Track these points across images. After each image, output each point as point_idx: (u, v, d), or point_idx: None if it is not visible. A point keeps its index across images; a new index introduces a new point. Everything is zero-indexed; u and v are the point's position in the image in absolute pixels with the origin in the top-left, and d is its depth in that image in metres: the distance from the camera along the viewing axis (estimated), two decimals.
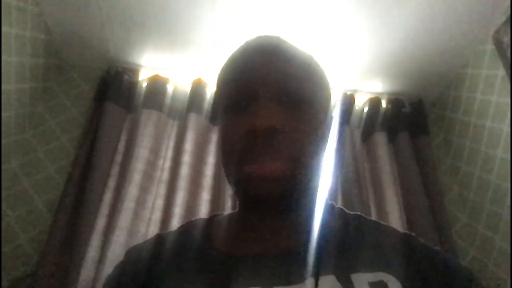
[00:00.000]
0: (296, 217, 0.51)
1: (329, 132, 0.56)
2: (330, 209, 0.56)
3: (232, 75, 0.53)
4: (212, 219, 0.60)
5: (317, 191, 0.54)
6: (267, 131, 0.45)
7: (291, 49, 0.54)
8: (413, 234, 0.54)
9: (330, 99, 0.59)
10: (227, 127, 0.52)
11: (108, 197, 1.41)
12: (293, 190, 0.48)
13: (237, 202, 0.59)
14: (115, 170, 1.48)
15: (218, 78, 0.58)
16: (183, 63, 1.71)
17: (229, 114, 0.51)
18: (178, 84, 1.73)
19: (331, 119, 0.58)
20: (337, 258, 0.46)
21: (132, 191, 1.40)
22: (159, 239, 0.57)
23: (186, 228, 0.58)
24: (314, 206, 0.53)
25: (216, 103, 0.60)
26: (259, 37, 0.55)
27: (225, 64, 0.57)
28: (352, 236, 0.51)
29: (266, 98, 0.48)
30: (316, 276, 0.44)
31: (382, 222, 0.56)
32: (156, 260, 0.52)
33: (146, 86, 1.68)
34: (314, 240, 0.48)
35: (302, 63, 0.53)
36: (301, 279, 0.44)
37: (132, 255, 0.55)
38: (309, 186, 0.51)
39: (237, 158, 0.48)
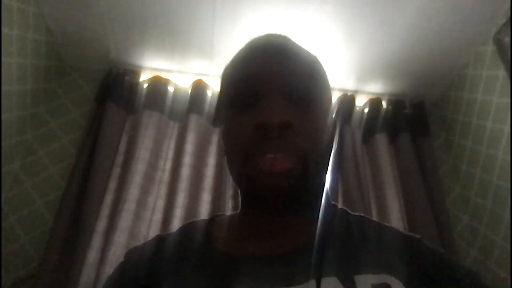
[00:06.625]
0: (300, 216, 0.51)
1: (333, 132, 0.56)
2: (333, 210, 0.56)
3: (241, 71, 0.52)
4: (213, 220, 0.59)
5: (322, 190, 0.54)
6: (281, 124, 0.45)
7: (298, 48, 0.55)
8: (417, 236, 0.53)
9: (331, 100, 0.59)
10: (234, 122, 0.51)
11: (109, 198, 1.41)
12: (302, 187, 0.47)
13: (240, 202, 0.58)
14: (116, 171, 1.48)
15: (224, 75, 0.57)
16: (184, 64, 1.72)
17: (237, 110, 0.51)
18: (179, 85, 1.73)
19: (333, 120, 0.58)
20: (340, 260, 0.46)
21: (133, 192, 1.40)
22: (160, 240, 0.57)
23: (187, 229, 0.58)
24: (318, 206, 0.52)
25: (221, 101, 0.59)
26: (267, 36, 0.56)
27: (233, 61, 0.56)
28: (355, 238, 0.51)
29: (275, 95, 0.48)
30: (318, 277, 0.43)
31: (385, 224, 0.56)
32: (156, 262, 0.52)
33: (147, 87, 1.69)
34: (317, 241, 0.48)
35: (308, 62, 0.54)
36: (303, 280, 0.44)
37: (132, 257, 0.55)
38: (315, 184, 0.51)
39: (247, 152, 0.47)
